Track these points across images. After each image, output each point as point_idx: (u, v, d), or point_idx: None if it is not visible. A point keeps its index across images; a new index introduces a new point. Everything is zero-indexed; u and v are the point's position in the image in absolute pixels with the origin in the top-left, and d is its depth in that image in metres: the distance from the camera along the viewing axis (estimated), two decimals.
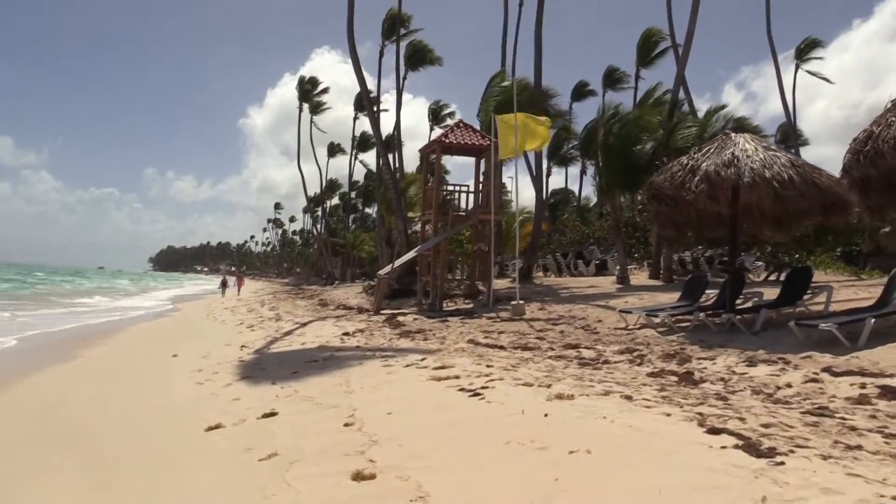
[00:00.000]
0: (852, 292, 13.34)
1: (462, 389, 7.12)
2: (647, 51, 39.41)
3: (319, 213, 78.80)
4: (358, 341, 12.98)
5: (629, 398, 6.30)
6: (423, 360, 9.57)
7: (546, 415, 5.70)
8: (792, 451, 4.37)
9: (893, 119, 7.91)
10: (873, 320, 8.71)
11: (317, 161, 66.49)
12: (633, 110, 25.63)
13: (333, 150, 71.16)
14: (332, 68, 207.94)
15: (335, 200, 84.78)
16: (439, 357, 9.77)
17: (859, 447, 4.50)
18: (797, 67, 43.60)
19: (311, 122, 62.19)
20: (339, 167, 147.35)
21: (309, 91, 62.00)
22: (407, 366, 9.13)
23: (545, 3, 26.18)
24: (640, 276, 25.77)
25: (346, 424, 6.05)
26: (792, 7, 70.77)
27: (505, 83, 27.76)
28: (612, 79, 47.67)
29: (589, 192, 52.48)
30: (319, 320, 19.19)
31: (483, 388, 7.09)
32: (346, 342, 12.96)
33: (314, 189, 73.10)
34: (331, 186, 78.22)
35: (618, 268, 24.65)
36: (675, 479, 3.95)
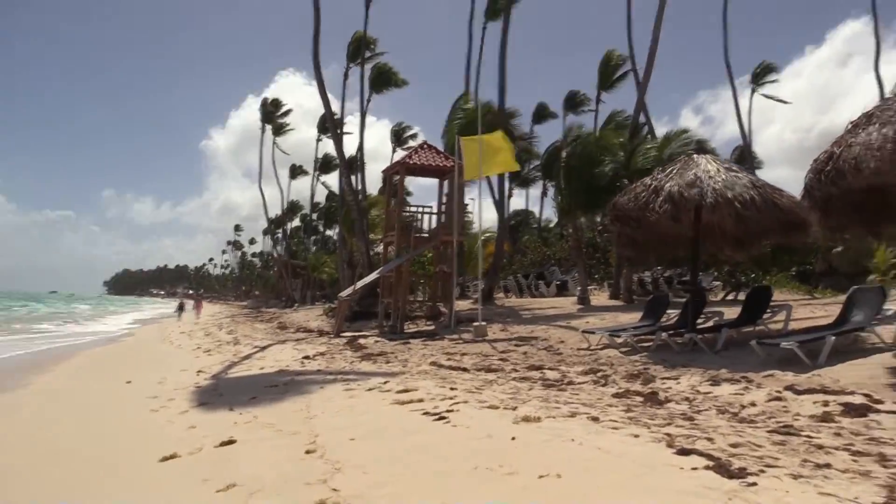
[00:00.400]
0: (809, 311, 13.57)
1: (426, 413, 6.97)
2: (608, 74, 40.01)
3: (280, 234, 78.01)
4: (319, 365, 12.72)
5: (596, 419, 6.23)
6: (385, 383, 9.38)
7: (513, 438, 5.58)
8: (762, 471, 4.33)
9: (853, 140, 8.04)
10: (833, 338, 8.81)
11: (279, 182, 66.07)
12: (594, 132, 25.96)
13: (295, 171, 70.69)
14: (296, 90, 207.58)
15: (296, 222, 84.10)
16: (402, 380, 9.60)
17: (828, 465, 4.47)
18: (753, 91, 44.83)
19: (274, 143, 61.82)
20: (301, 189, 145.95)
21: (272, 113, 61.68)
22: (369, 389, 8.94)
23: (509, 27, 26.53)
24: (600, 297, 25.97)
25: (307, 451, 5.84)
26: (748, 33, 73.16)
27: (468, 105, 27.91)
28: (574, 102, 48.29)
29: (550, 213, 52.95)
30: (279, 343, 18.82)
31: (448, 411, 6.96)
32: (307, 366, 12.69)
33: (275, 211, 72.48)
34: (292, 208, 77.57)
35: (579, 288, 24.78)
36: (647, 503, 3.86)
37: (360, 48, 38.84)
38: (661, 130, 33.73)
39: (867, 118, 8.35)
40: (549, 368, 10.26)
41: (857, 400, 6.53)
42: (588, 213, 24.86)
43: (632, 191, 12.07)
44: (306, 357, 14.17)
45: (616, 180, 21.71)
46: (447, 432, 6.10)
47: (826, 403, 6.51)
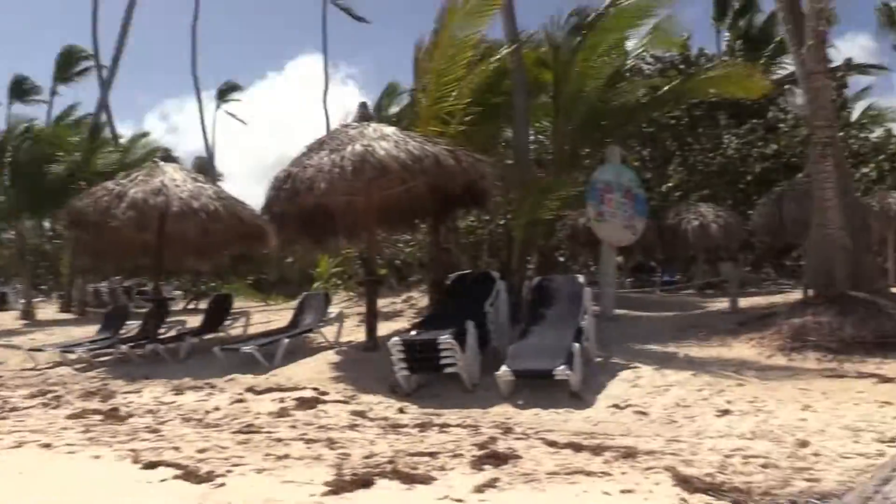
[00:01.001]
0: (266, 316, 14.58)
1: None
2: (68, 66, 36.29)
3: None
4: None
5: (49, 446, 5.56)
6: None
7: None
8: (230, 471, 4.47)
9: (307, 162, 8.96)
10: (287, 340, 9.66)
11: None
12: (47, 127, 23.27)
13: None
14: None
15: None
16: None
17: (287, 456, 4.88)
18: (218, 107, 46.07)
19: None
20: None
21: None
22: None
23: None
24: (47, 311, 23.31)
25: None
26: (217, 48, 75.21)
27: None
28: (22, 89, 42.30)
29: None
30: None
31: None
32: None
33: None
34: None
35: (21, 301, 21.83)
36: None
37: None
38: (126, 132, 32.04)
39: (319, 144, 9.43)
40: None
41: (308, 394, 7.29)
42: (36, 216, 22.14)
43: (92, 195, 11.22)
44: None
45: (71, 182, 19.87)
46: None
47: (282, 400, 7.09)
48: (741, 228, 17.88)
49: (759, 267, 20.99)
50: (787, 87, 24.27)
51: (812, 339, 7.94)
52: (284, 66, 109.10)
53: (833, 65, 19.16)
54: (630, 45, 13.74)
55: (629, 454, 4.55)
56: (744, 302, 11.88)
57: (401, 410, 6.74)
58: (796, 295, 13.06)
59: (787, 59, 24.81)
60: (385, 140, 8.94)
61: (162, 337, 11.64)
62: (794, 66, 11.81)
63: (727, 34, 29.38)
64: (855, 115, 26.88)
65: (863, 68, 29.33)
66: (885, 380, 6.84)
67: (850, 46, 56.94)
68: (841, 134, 15.18)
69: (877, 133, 24.27)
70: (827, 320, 8.13)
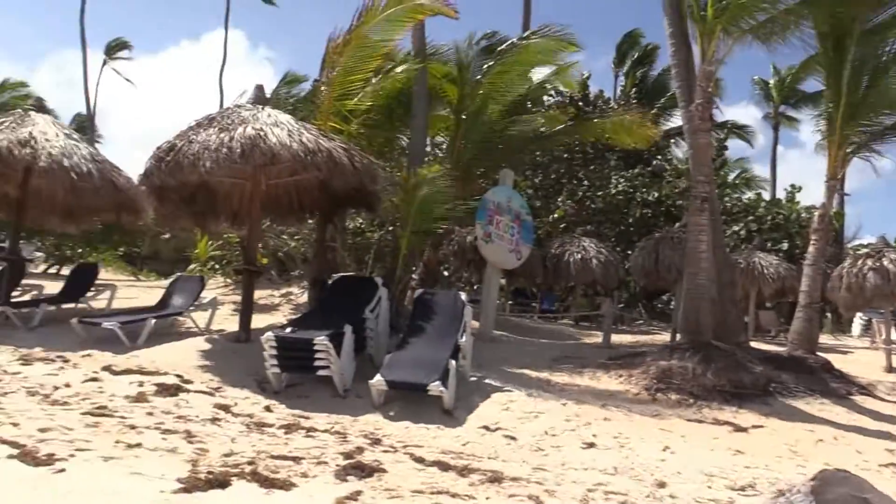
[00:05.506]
0: (134, 292, 13.86)
1: None
2: None
3: None
4: None
5: None
6: None
7: None
8: (72, 455, 4.20)
9: (194, 137, 8.56)
10: (154, 321, 9.20)
11: None
12: None
13: None
14: None
15: None
16: None
17: (140, 445, 4.62)
18: (104, 63, 43.43)
19: None
20: None
21: None
22: None
23: None
24: None
25: None
26: (131, 7, 70.47)
27: None
28: None
29: None
30: None
31: None
32: None
33: None
34: None
35: None
36: None
37: None
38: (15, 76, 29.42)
39: (209, 121, 9.04)
40: None
41: (171, 380, 6.94)
42: None
43: None
44: None
45: None
46: None
47: (142, 384, 6.72)
48: (619, 267, 18.70)
49: (631, 306, 22.05)
50: (673, 139, 25.85)
51: (676, 382, 8.41)
52: (201, 36, 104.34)
53: (716, 123, 20.60)
54: (535, 76, 14.24)
55: (495, 479, 4.62)
56: (616, 338, 12.44)
57: (267, 409, 6.55)
58: (664, 337, 13.84)
59: (676, 112, 26.55)
60: (279, 127, 8.75)
61: (15, 301, 10.82)
62: (681, 120, 12.53)
63: (623, 80, 30.96)
64: (731, 176, 28.98)
65: (741, 130, 31.74)
66: (739, 429, 7.36)
67: (742, 113, 61.34)
68: (717, 191, 16.25)
69: (748, 195, 26.24)
70: (691, 366, 8.65)
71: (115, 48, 43.57)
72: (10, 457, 4.04)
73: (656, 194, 21.60)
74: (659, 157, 24.05)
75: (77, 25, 37.61)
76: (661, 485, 5.03)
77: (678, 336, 10.89)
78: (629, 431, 6.72)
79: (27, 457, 4.05)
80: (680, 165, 23.87)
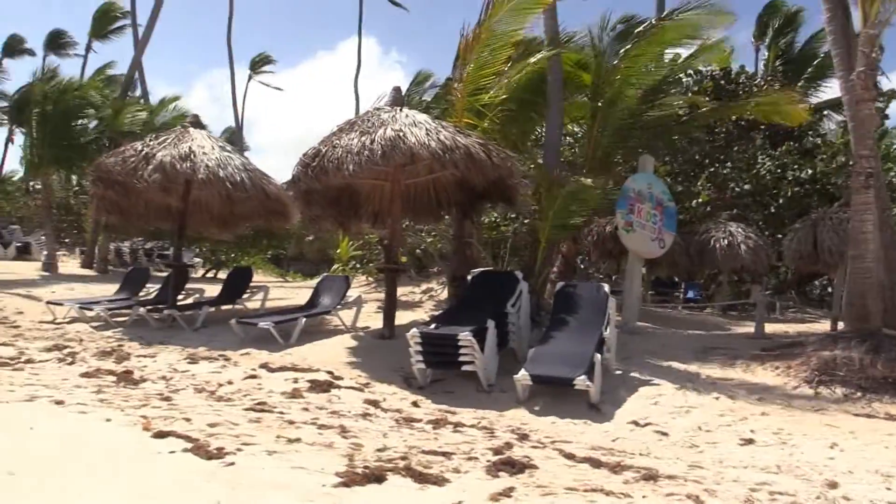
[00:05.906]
0: (283, 293, 14.57)
1: None
2: (104, 24, 36.48)
3: None
4: None
5: (61, 403, 5.53)
6: None
7: None
8: (240, 450, 4.40)
9: (337, 142, 8.86)
10: (304, 320, 9.60)
11: None
12: (78, 80, 23.31)
13: None
14: None
15: None
16: None
17: (299, 440, 4.79)
18: (249, 78, 46.24)
19: None
20: None
21: None
22: None
23: None
24: (69, 265, 23.49)
25: None
26: (269, 25, 75.83)
27: None
28: (58, 43, 42.62)
29: (16, 164, 45.82)
30: None
31: None
32: None
33: None
34: None
35: (44, 253, 21.97)
36: (123, 492, 3.54)
37: None
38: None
39: (350, 125, 9.32)
40: (3, 344, 8.78)
41: (322, 377, 7.22)
42: (63, 169, 22.22)
43: (120, 154, 11.21)
44: None
45: (100, 139, 19.95)
46: None
47: (296, 381, 7.03)
48: (769, 251, 17.55)
49: (780, 292, 20.66)
50: (825, 112, 23.87)
51: (840, 374, 7.71)
52: (336, 46, 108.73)
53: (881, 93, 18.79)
54: (670, 55, 13.56)
55: (650, 476, 4.41)
56: (768, 327, 11.66)
57: (415, 404, 6.64)
58: (822, 325, 12.80)
59: (826, 82, 24.47)
60: (417, 127, 8.85)
61: (180, 304, 11.65)
62: (838, 90, 11.47)
63: (766, 52, 28.88)
64: (894, 147, 26.38)
65: None
66: None
67: None
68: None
69: None
70: (858, 356, 7.90)
71: (259, 63, 46.34)
72: (185, 450, 4.31)
73: (810, 171, 20.03)
74: (810, 132, 22.28)
75: (224, 47, 39.99)
76: (833, 485, 4.61)
77: (840, 324, 9.98)
78: (790, 427, 6.23)
79: (200, 450, 4.29)
80: (834, 140, 22.01)
